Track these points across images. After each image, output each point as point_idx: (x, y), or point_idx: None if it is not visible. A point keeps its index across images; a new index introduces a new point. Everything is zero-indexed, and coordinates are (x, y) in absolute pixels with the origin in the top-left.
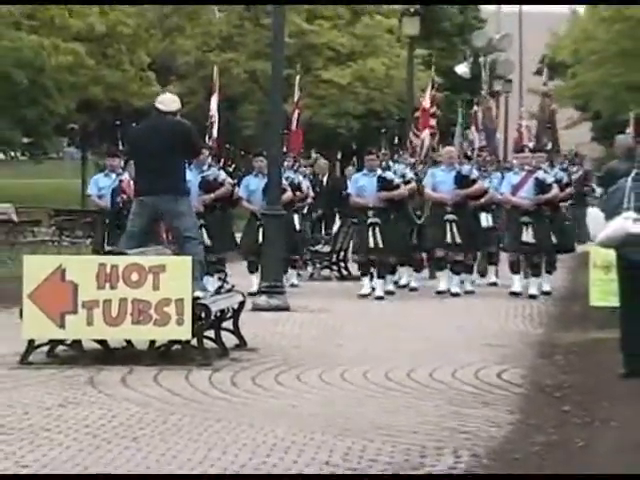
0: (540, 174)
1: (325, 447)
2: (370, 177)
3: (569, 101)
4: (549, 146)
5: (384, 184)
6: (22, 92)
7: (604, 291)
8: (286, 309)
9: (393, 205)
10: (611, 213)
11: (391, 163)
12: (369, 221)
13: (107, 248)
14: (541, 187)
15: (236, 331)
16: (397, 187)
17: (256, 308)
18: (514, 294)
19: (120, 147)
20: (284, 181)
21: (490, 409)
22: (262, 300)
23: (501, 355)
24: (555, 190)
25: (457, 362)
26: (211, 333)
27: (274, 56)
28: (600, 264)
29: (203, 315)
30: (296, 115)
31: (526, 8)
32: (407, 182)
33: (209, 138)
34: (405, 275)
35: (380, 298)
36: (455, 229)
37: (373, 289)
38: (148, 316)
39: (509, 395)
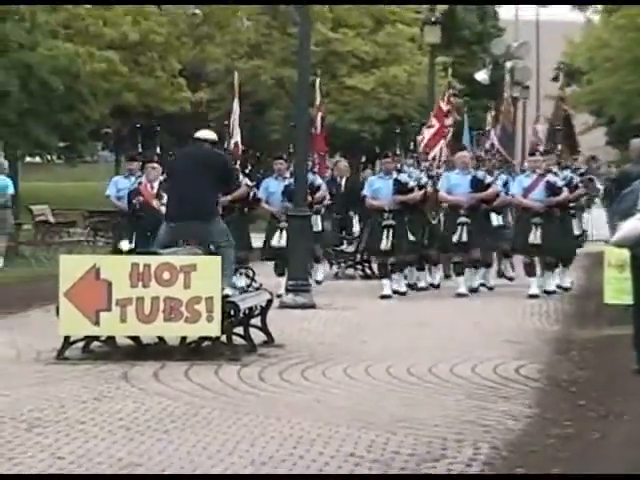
0: (551, 177)
1: (350, 439)
2: (386, 180)
3: (585, 107)
4: (559, 148)
5: (400, 187)
6: (58, 98)
7: (618, 289)
8: (312, 307)
9: (407, 207)
10: (625, 214)
11: (405, 167)
12: (384, 223)
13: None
14: (552, 190)
15: (264, 328)
16: (412, 190)
17: (283, 306)
18: (533, 297)
19: (140, 150)
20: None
21: (508, 403)
22: (289, 298)
23: (519, 351)
24: (565, 193)
25: (476, 358)
26: (240, 330)
27: (300, 63)
28: (614, 263)
29: (232, 312)
30: (319, 118)
31: (543, 17)
32: (422, 187)
33: (228, 141)
34: (415, 276)
35: (403, 294)
36: (468, 230)
37: (395, 292)
38: (179, 313)
39: (526, 390)
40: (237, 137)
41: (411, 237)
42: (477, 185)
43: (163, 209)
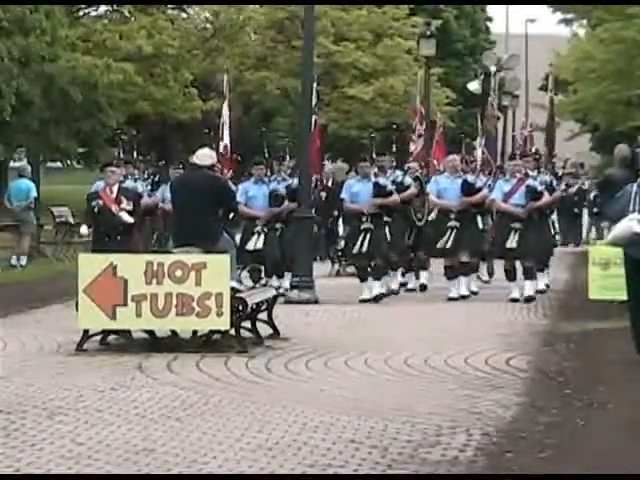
0: (531, 182)
1: (350, 427)
2: (364, 183)
3: (570, 115)
4: (536, 151)
5: (379, 190)
6: (77, 107)
7: (602, 286)
8: (315, 302)
9: (387, 211)
10: (618, 216)
11: (389, 170)
12: (362, 227)
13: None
14: (532, 194)
15: (270, 322)
16: (391, 193)
17: (288, 301)
18: (514, 300)
19: (121, 155)
20: (282, 190)
21: (499, 392)
22: (293, 294)
23: (509, 343)
24: (546, 197)
25: (469, 350)
26: (248, 324)
27: (304, 74)
28: (598, 261)
29: (240, 307)
30: (312, 120)
31: (531, 31)
32: (407, 188)
33: (217, 145)
34: (396, 277)
35: (381, 297)
36: (458, 235)
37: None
38: (191, 308)
39: (516, 380)
40: (226, 140)
41: (393, 238)
42: (468, 189)
43: (123, 215)
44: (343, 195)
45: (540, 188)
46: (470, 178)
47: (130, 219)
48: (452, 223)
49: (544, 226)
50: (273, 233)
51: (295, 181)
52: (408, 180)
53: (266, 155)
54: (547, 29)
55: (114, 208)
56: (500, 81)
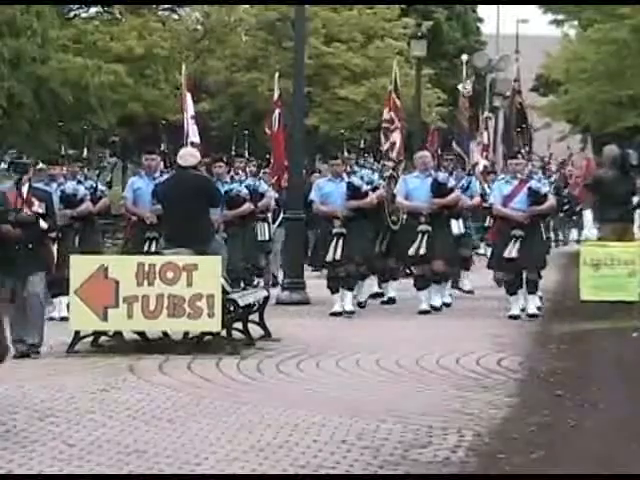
0: (534, 183)
1: (342, 427)
2: (337, 183)
3: (562, 115)
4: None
5: (353, 192)
6: (68, 108)
7: (593, 286)
8: (307, 303)
9: (360, 213)
10: None
11: (357, 168)
12: (335, 231)
13: None
14: (535, 197)
15: (261, 323)
16: (366, 194)
17: (279, 302)
18: (514, 317)
19: (63, 152)
20: (244, 190)
21: (490, 393)
22: (285, 295)
23: (500, 344)
24: (551, 201)
25: (461, 350)
26: (239, 325)
27: (296, 75)
28: (590, 262)
29: (232, 309)
30: (276, 114)
31: (522, 32)
32: (375, 188)
33: (185, 141)
34: (373, 285)
35: (351, 312)
36: (430, 241)
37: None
38: (182, 310)
39: (507, 380)
40: (195, 137)
41: (365, 243)
42: (438, 189)
43: (41, 223)
44: (312, 197)
45: (545, 190)
46: (441, 177)
47: (44, 224)
48: (423, 227)
49: (543, 233)
50: (233, 239)
51: (256, 183)
52: (377, 180)
53: (235, 152)
54: (538, 30)
55: (25, 211)
56: (491, 82)
